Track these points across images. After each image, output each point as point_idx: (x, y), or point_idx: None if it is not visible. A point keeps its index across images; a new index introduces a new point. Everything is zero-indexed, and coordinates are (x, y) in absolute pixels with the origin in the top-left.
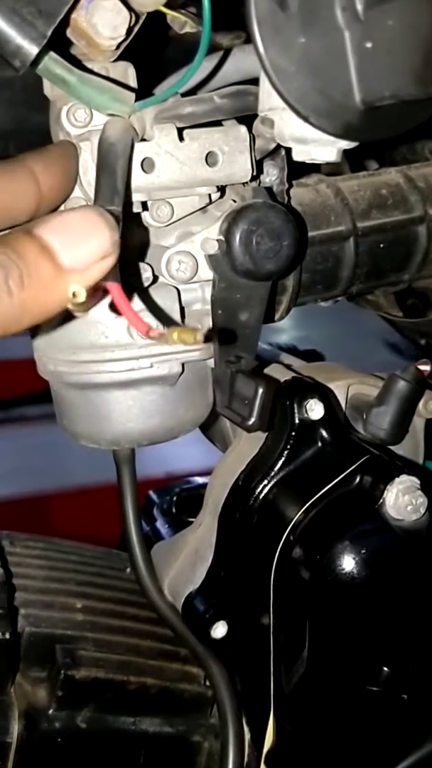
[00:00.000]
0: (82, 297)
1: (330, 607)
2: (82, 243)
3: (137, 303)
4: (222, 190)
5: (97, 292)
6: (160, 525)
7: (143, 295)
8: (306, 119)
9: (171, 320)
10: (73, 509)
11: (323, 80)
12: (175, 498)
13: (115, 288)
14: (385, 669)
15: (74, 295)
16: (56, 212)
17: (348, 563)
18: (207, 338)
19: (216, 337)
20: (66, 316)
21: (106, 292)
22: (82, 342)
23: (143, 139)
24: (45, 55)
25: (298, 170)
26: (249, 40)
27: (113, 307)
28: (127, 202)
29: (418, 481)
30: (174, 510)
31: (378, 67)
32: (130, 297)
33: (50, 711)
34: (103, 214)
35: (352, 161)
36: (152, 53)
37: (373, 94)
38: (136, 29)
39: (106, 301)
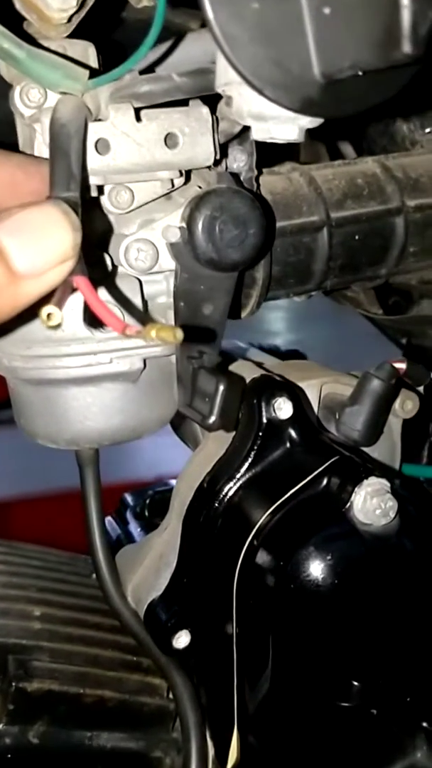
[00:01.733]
0: (57, 319)
1: (294, 616)
2: (40, 245)
3: (103, 293)
4: (187, 175)
5: (64, 290)
6: (133, 528)
7: (103, 287)
8: (261, 92)
9: (133, 314)
10: (60, 512)
11: (279, 50)
12: (148, 501)
13: (82, 282)
14: (354, 683)
15: (48, 317)
16: (14, 208)
17: (313, 569)
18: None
19: None
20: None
21: (73, 287)
22: (37, 336)
23: (98, 120)
24: None
25: (271, 158)
26: None
27: (89, 314)
28: (83, 186)
29: (388, 484)
30: (147, 513)
31: (337, 35)
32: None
33: (0, 725)
34: (67, 212)
35: (331, 152)
36: (116, 36)
37: (332, 65)
38: (90, 2)
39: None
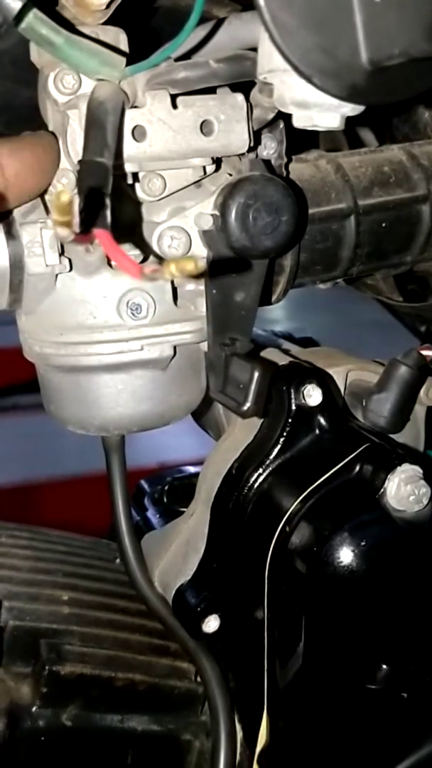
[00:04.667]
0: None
1: (327, 602)
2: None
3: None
4: (217, 163)
5: (86, 237)
6: (151, 515)
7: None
8: (309, 79)
9: (164, 301)
10: (66, 498)
11: (328, 37)
12: (166, 487)
13: (103, 234)
14: (384, 666)
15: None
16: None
17: (346, 556)
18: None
19: (210, 319)
20: (52, 295)
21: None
22: (69, 322)
23: (135, 107)
24: (29, 11)
25: (297, 146)
26: (246, 8)
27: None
28: (119, 173)
29: (421, 471)
30: (165, 499)
31: (386, 22)
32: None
33: (34, 708)
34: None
35: (351, 139)
36: (148, 24)
37: (382, 53)
38: None
39: (94, 280)
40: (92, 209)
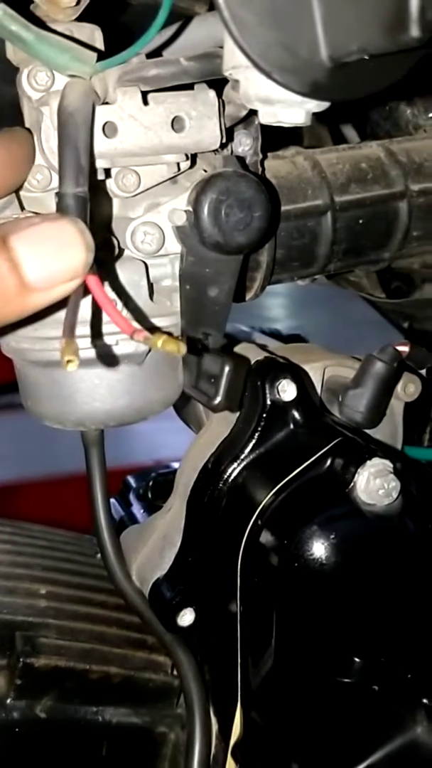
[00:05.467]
0: (75, 365)
1: (298, 595)
2: (54, 261)
3: (107, 290)
4: (192, 159)
5: (77, 300)
6: (136, 510)
7: (109, 270)
8: (269, 75)
9: (139, 296)
10: (62, 496)
11: (288, 33)
12: (151, 483)
13: (93, 281)
14: (356, 659)
15: (68, 362)
16: (33, 218)
17: (316, 549)
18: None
19: (183, 313)
20: None
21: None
22: (44, 317)
23: (106, 103)
24: None
25: (279, 142)
26: None
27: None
28: (91, 171)
29: (391, 465)
30: (149, 495)
31: (345, 18)
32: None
33: (8, 700)
34: (83, 231)
35: (335, 136)
36: (130, 21)
37: (340, 49)
38: None
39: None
40: None
